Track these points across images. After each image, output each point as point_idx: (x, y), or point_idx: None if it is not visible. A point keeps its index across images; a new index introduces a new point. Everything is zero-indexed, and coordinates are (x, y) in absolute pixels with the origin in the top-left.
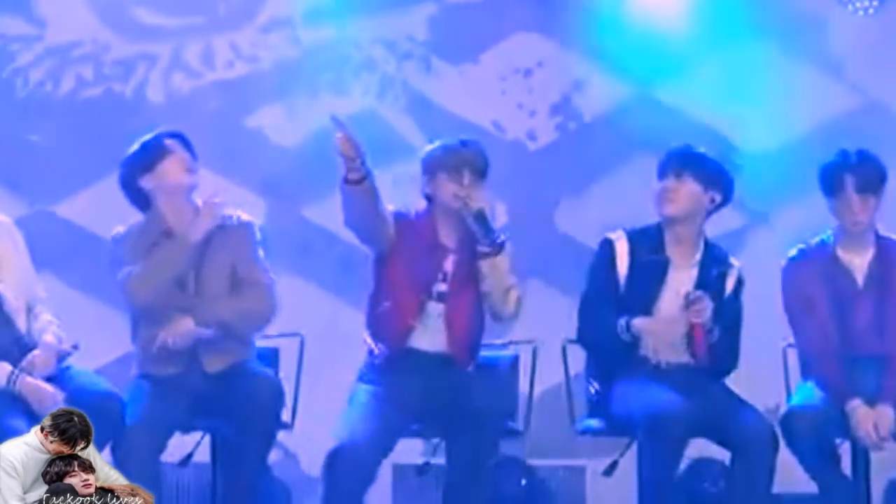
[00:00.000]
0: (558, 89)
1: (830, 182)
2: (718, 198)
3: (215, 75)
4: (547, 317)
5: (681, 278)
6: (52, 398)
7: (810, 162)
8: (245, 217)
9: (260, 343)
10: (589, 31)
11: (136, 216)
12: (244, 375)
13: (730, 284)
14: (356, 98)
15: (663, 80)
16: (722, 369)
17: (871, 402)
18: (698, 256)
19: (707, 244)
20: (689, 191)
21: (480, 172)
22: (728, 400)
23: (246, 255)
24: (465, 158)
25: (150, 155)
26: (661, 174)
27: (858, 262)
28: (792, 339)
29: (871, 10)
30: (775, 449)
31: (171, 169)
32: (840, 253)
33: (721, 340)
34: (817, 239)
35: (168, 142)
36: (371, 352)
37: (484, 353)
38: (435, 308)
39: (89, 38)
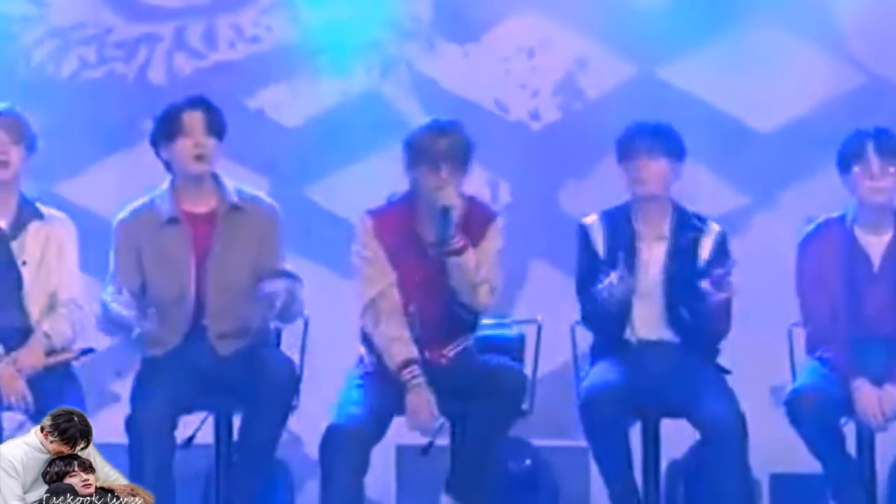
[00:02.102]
0: (562, 69)
1: (851, 151)
2: (680, 167)
3: (217, 56)
4: (551, 298)
5: (651, 250)
6: (14, 394)
7: (815, 141)
8: (269, 201)
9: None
10: (592, 11)
11: (131, 197)
12: (259, 356)
13: (705, 249)
14: (359, 79)
15: (667, 59)
16: (705, 341)
17: (879, 382)
18: (667, 227)
19: (679, 212)
20: (660, 167)
21: (460, 163)
22: (703, 384)
23: (271, 246)
24: (442, 151)
25: (165, 128)
26: (630, 154)
27: (876, 242)
28: (798, 320)
29: None
30: (742, 439)
31: (181, 152)
32: (858, 233)
33: (699, 310)
34: (836, 214)
35: (187, 118)
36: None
37: (488, 332)
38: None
39: (91, 20)
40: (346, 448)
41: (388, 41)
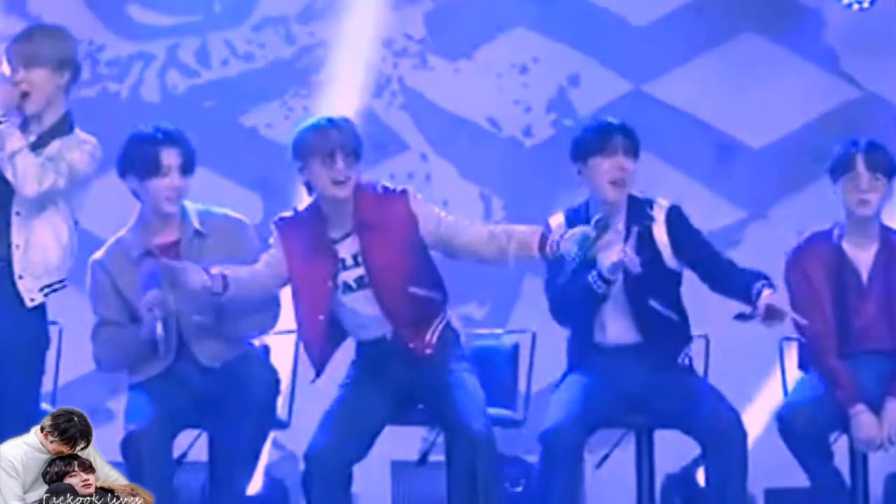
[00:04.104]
0: (554, 85)
1: (841, 161)
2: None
3: (210, 74)
4: (543, 314)
5: (610, 249)
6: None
7: (807, 155)
8: (235, 217)
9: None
10: (584, 27)
11: (125, 215)
12: (239, 369)
13: (660, 234)
14: (352, 95)
15: (659, 75)
16: (680, 334)
17: (873, 398)
18: (622, 223)
19: (631, 203)
20: (633, 168)
21: (354, 153)
22: (690, 387)
23: (240, 260)
24: (334, 139)
25: (139, 164)
26: (606, 151)
27: (864, 256)
28: (788, 334)
29: (865, 4)
30: (744, 438)
31: (156, 192)
32: (846, 247)
33: (669, 301)
34: (825, 227)
35: (166, 158)
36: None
37: (482, 342)
38: (362, 296)
39: (84, 38)
40: (322, 475)
41: (380, 58)
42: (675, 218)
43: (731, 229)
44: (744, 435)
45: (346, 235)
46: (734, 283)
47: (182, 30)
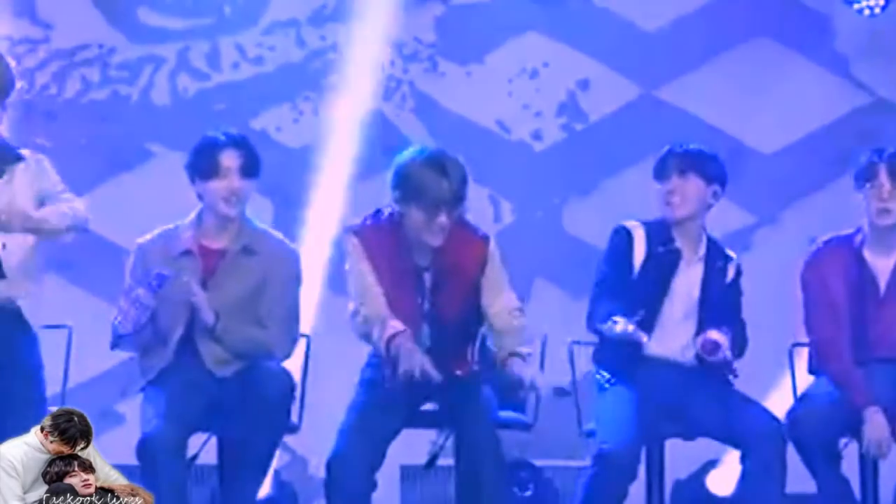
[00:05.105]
0: (564, 90)
1: (865, 170)
2: (720, 190)
3: (221, 77)
4: (553, 317)
5: (689, 272)
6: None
7: (818, 160)
8: (290, 247)
9: None
10: (594, 32)
11: (134, 218)
12: (256, 374)
13: (730, 275)
14: (362, 99)
15: (669, 79)
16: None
17: (888, 406)
18: (703, 251)
19: (708, 238)
20: (694, 188)
21: (458, 204)
22: (732, 398)
23: (276, 289)
24: (444, 192)
25: (201, 165)
26: (663, 174)
27: (883, 264)
28: (799, 339)
29: (877, 10)
30: (784, 445)
31: (214, 193)
32: (866, 254)
33: (729, 334)
34: (845, 233)
35: (225, 160)
36: (372, 356)
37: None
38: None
39: (95, 41)
40: (345, 478)
41: (390, 62)
42: (738, 274)
43: (741, 234)
44: (783, 439)
45: (427, 268)
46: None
47: (192, 33)
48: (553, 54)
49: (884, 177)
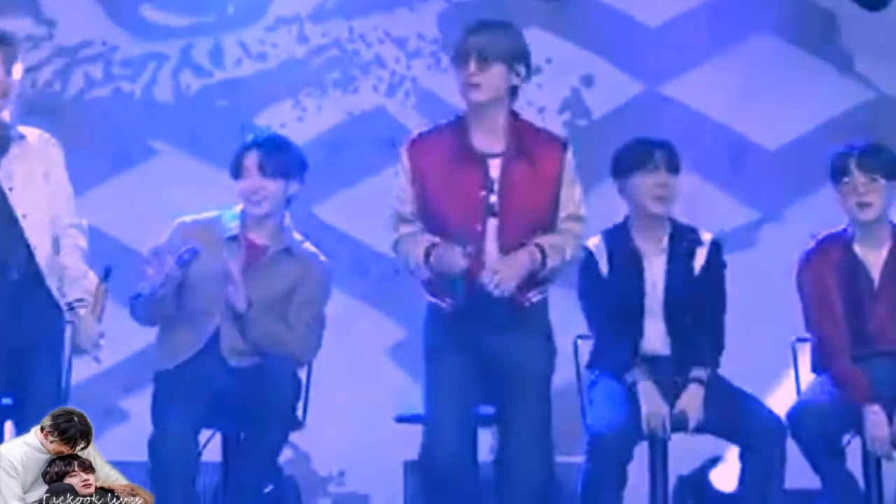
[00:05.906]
0: (567, 86)
1: (837, 167)
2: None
3: (224, 74)
4: (557, 315)
5: (652, 268)
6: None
7: (821, 157)
8: (323, 261)
9: None
10: (598, 28)
11: (139, 215)
12: (266, 370)
13: (698, 261)
14: (365, 96)
15: (673, 76)
16: (704, 355)
17: (888, 400)
18: (665, 242)
19: (675, 225)
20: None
21: (502, 58)
22: (730, 394)
23: (303, 299)
24: (470, 42)
25: (232, 166)
26: (648, 167)
27: (875, 257)
28: (801, 335)
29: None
30: (784, 441)
31: (241, 193)
32: (857, 248)
33: (695, 323)
34: (837, 229)
35: (246, 160)
36: (431, 307)
37: None
38: (489, 224)
39: (98, 38)
40: (444, 453)
41: (393, 58)
42: (714, 253)
43: (745, 230)
44: (784, 436)
45: (493, 155)
46: (691, 344)
47: (195, 30)
48: (556, 50)
49: (856, 171)
